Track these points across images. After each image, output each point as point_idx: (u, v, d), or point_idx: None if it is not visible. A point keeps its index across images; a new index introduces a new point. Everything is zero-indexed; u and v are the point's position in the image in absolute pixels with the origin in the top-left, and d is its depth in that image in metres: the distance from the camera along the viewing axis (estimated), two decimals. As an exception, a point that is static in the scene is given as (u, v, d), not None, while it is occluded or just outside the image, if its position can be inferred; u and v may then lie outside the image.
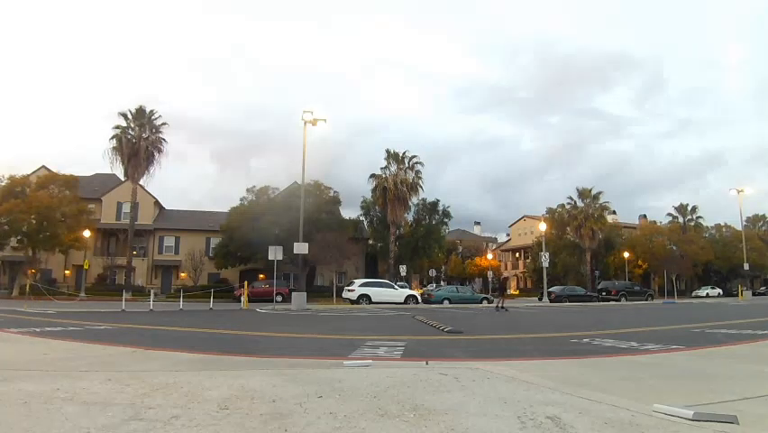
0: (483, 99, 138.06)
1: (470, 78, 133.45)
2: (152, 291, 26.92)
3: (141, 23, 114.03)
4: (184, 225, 45.67)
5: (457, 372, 4.37)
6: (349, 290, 29.08)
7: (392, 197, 42.47)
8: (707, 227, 59.98)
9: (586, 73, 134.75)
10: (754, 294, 46.14)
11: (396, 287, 30.27)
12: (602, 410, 3.02)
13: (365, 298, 27.77)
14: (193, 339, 9.40)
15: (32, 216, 32.72)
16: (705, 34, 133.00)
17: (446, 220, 49.93)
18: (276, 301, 25.74)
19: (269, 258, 24.47)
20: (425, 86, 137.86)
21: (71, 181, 35.99)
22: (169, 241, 45.40)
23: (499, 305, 22.19)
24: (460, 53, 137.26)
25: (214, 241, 42.40)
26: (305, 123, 24.10)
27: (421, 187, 44.25)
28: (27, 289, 24.45)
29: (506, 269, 73.10)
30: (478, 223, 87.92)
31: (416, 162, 44.40)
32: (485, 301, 32.28)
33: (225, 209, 41.61)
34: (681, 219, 59.01)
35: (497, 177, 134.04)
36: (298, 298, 22.59)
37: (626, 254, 50.38)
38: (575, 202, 50.50)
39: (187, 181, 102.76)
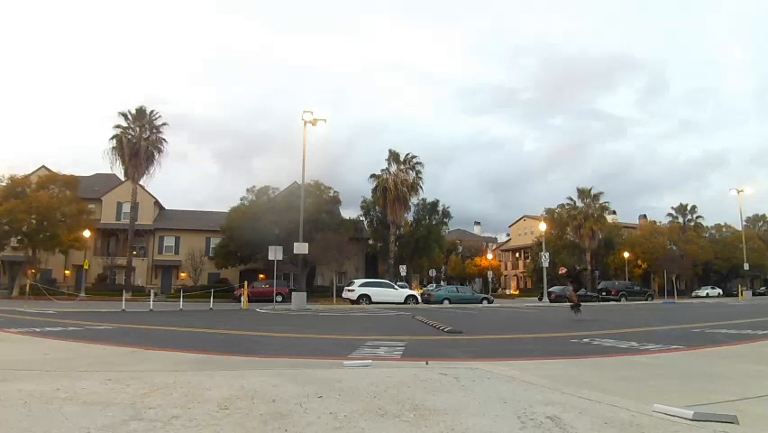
0: (486, 100, 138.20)
1: (472, 80, 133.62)
2: (152, 291, 26.92)
3: (142, 23, 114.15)
4: (184, 225, 45.66)
5: (457, 372, 4.36)
6: (349, 290, 29.08)
7: (392, 197, 42.49)
8: (707, 227, 60.02)
9: (588, 74, 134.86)
10: (754, 294, 46.11)
11: (396, 287, 30.27)
12: (602, 410, 3.02)
13: (365, 298, 27.77)
14: (193, 339, 9.40)
15: (33, 217, 32.72)
16: (706, 35, 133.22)
17: (446, 220, 50.03)
18: (276, 301, 25.73)
19: (269, 258, 24.46)
20: (428, 86, 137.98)
21: (71, 181, 35.98)
22: (169, 241, 45.40)
23: (575, 305, 15.61)
24: (462, 54, 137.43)
25: (214, 241, 42.39)
26: (305, 123, 24.13)
27: (421, 187, 44.42)
28: (27, 289, 24.43)
29: (506, 269, 73.09)
30: (478, 223, 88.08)
31: (417, 163, 44.52)
32: (485, 301, 32.30)
33: (226, 209, 41.66)
34: (680, 219, 59.04)
35: (498, 177, 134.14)
36: (298, 298, 22.59)
37: (626, 254, 50.38)
38: (575, 202, 50.54)
39: (190, 181, 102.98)
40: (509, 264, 73.40)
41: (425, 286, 49.19)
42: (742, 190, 42.30)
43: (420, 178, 44.19)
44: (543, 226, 43.43)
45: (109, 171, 40.43)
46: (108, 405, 3.05)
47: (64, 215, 34.14)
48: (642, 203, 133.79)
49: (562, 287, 39.87)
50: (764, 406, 3.69)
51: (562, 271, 18.42)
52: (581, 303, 15.96)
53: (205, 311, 19.95)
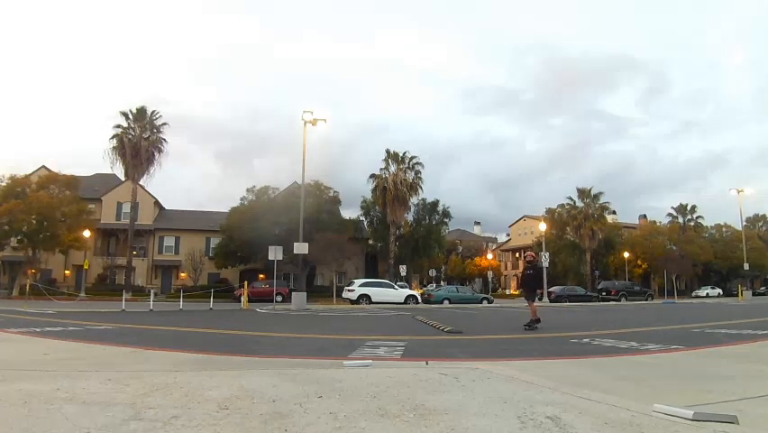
0: (486, 101, 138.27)
1: (473, 80, 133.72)
2: (152, 291, 26.90)
3: (143, 24, 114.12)
4: (184, 225, 45.66)
5: (457, 372, 4.36)
6: (349, 290, 29.08)
7: (392, 197, 42.46)
8: (707, 227, 59.99)
9: (589, 75, 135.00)
10: (754, 294, 46.10)
11: (396, 287, 30.27)
12: (602, 410, 3.02)
13: (365, 298, 27.77)
14: (193, 339, 9.40)
15: (33, 217, 32.73)
16: (707, 36, 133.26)
17: (446, 220, 50.06)
18: (276, 301, 25.73)
19: (270, 258, 24.46)
20: (428, 87, 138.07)
21: (71, 182, 35.99)
22: (169, 241, 45.39)
23: (532, 319, 11.42)
24: (463, 55, 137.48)
25: (214, 241, 42.40)
26: (305, 123, 24.14)
27: (421, 187, 44.37)
28: (27, 289, 24.42)
29: (506, 269, 73.04)
30: (478, 223, 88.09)
31: (416, 163, 44.49)
32: (485, 301, 32.30)
33: (226, 209, 41.69)
34: (680, 219, 59.02)
35: (498, 177, 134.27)
36: (298, 298, 22.59)
37: (626, 254, 50.37)
38: (575, 202, 50.57)
39: (190, 181, 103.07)
40: (509, 264, 73.37)
41: (425, 286, 49.22)
42: (742, 190, 42.35)
43: (420, 178, 44.21)
44: (543, 226, 43.44)
45: (109, 171, 40.50)
46: (108, 405, 3.05)
47: (64, 215, 34.15)
48: (642, 203, 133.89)
49: (562, 287, 39.94)
50: (764, 406, 3.68)
51: (530, 256, 14.07)
52: (537, 314, 11.45)
53: (205, 311, 19.94)
